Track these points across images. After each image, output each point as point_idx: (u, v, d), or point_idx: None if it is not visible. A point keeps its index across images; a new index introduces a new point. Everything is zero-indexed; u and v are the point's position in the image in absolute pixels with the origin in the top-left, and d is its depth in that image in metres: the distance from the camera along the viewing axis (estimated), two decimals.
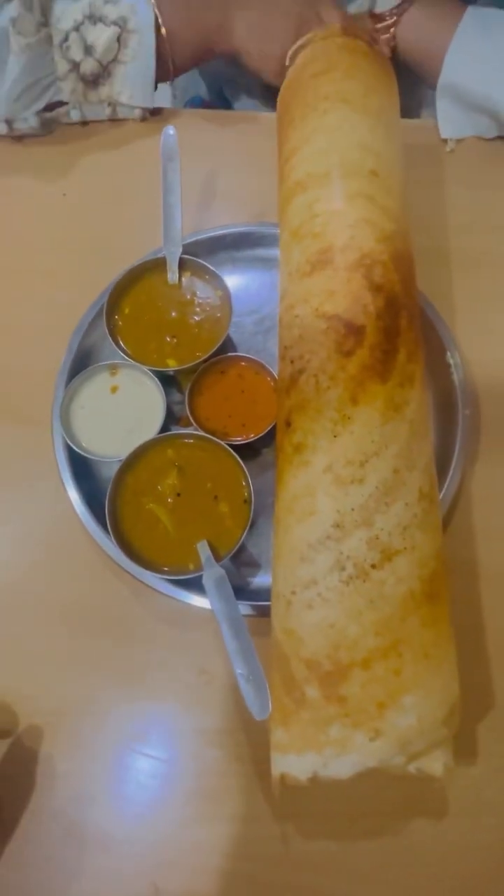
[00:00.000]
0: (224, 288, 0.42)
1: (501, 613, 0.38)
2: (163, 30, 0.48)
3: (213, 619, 0.33)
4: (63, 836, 0.33)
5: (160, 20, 0.48)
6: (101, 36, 0.47)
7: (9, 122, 0.50)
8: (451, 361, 0.42)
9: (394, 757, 0.27)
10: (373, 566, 0.29)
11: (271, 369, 0.41)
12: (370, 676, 0.28)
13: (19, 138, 0.52)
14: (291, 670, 0.30)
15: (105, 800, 0.34)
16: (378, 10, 0.48)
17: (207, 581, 0.32)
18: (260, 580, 0.38)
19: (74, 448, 0.39)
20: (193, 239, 0.46)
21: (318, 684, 0.29)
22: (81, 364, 0.43)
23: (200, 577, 0.34)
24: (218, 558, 0.35)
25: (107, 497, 0.36)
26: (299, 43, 0.43)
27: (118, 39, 0.47)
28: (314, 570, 0.30)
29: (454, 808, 0.33)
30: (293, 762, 0.29)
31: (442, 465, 0.39)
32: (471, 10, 0.47)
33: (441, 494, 0.38)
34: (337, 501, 0.30)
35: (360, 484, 0.30)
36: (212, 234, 0.47)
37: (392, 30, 0.48)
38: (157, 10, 0.48)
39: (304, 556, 0.31)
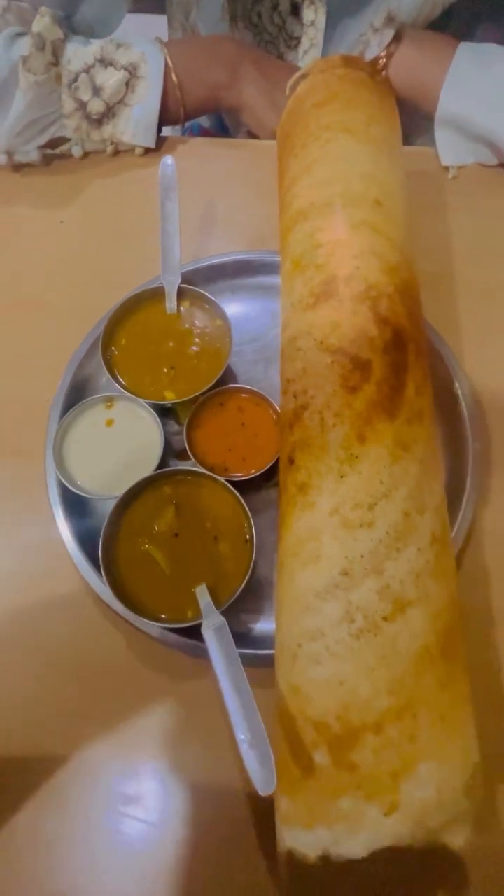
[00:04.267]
0: (224, 317, 0.41)
1: None
2: (174, 77, 0.49)
3: (212, 668, 0.31)
4: None
5: (172, 69, 0.49)
6: (110, 79, 0.48)
7: (9, 154, 0.50)
8: (459, 392, 0.40)
9: (410, 833, 0.25)
10: (384, 618, 0.27)
11: (273, 401, 0.39)
12: (383, 741, 0.26)
13: (18, 167, 0.52)
14: (298, 731, 0.27)
15: (94, 872, 0.31)
16: (368, 56, 0.48)
17: (207, 631, 0.30)
18: (263, 626, 0.36)
19: (68, 486, 0.37)
20: (192, 267, 0.45)
21: (328, 749, 0.26)
22: (77, 396, 0.42)
23: (199, 625, 0.32)
24: (218, 604, 0.33)
25: (101, 538, 0.34)
26: (300, 73, 0.42)
27: (126, 84, 0.48)
28: (321, 621, 0.28)
29: (476, 882, 0.30)
30: (301, 837, 0.26)
31: (452, 502, 0.37)
32: (464, 45, 0.47)
33: (452, 535, 0.36)
34: (345, 547, 0.28)
35: (369, 528, 0.28)
36: (211, 262, 0.46)
37: (384, 72, 0.48)
38: (168, 60, 0.49)
39: (309, 606, 0.29)
